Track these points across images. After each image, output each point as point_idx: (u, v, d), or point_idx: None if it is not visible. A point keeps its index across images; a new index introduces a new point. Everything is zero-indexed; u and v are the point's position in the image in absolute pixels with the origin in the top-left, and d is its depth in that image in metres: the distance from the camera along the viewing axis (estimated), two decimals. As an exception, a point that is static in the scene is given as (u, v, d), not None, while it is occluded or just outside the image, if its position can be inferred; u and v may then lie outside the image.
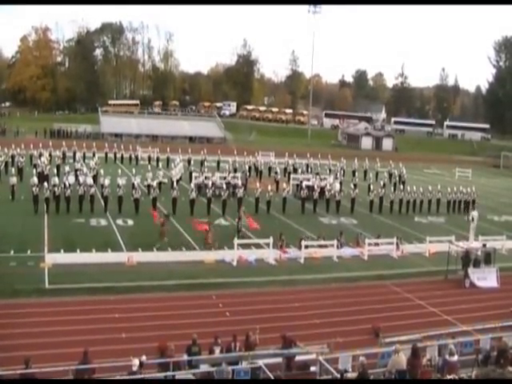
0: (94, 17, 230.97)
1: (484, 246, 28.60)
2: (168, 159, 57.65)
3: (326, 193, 42.39)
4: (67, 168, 43.70)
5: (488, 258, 28.13)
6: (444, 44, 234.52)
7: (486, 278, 27.39)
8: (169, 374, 14.26)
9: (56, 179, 38.55)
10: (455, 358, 15.13)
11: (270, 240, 28.87)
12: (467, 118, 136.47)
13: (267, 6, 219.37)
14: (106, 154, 59.39)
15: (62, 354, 16.60)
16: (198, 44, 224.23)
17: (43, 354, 16.31)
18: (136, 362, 13.96)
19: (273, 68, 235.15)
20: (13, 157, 49.55)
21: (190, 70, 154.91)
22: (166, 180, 44.67)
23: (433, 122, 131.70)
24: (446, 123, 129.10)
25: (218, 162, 57.44)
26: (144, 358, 14.35)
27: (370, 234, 33.34)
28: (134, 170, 47.41)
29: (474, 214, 34.73)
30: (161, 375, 14.20)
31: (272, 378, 14.62)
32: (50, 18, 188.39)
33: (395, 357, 14.94)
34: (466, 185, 49.67)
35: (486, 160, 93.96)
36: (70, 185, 37.24)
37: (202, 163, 54.18)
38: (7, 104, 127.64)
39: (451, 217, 42.97)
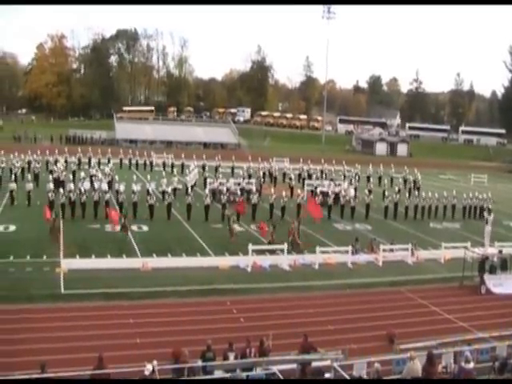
0: (109, 24, 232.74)
1: (500, 252, 28.37)
2: (183, 165, 57.79)
3: (341, 199, 42.28)
4: (82, 174, 43.93)
5: (504, 264, 27.92)
6: (459, 49, 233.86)
7: (502, 285, 27.17)
8: (183, 379, 14.26)
9: (71, 185, 38.84)
10: (471, 365, 15.00)
11: (285, 246, 28.87)
12: (482, 123, 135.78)
13: (281, 12, 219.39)
14: (121, 160, 59.65)
15: (77, 359, 16.68)
16: (213, 50, 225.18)
17: (58, 359, 16.39)
18: (149, 367, 13.99)
19: (287, 74, 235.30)
20: (29, 163, 49.94)
21: (204, 76, 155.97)
22: (180, 186, 44.78)
23: (448, 128, 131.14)
24: (461, 128, 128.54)
25: (233, 168, 57.51)
26: (155, 363, 14.34)
27: (385, 240, 33.23)
28: (148, 176, 47.55)
29: (489, 218, 34.51)
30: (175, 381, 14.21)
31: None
32: (65, 25, 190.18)
33: (410, 364, 14.84)
34: (482, 190, 49.38)
35: (501, 165, 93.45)
36: (85, 191, 37.47)
37: (216, 169, 54.26)
38: (23, 111, 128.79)
39: (467, 223, 42.70)
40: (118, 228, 32.42)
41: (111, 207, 35.48)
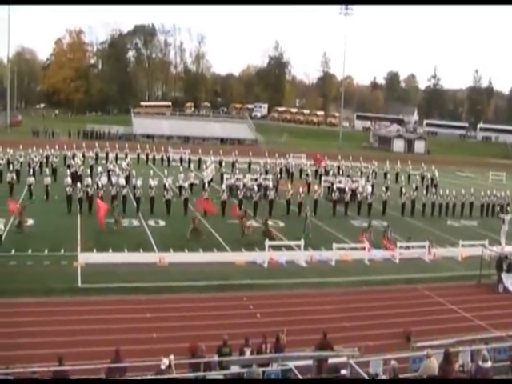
0: (127, 19, 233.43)
1: (518, 250, 28.12)
2: (199, 160, 57.88)
3: (358, 195, 42.14)
4: (100, 169, 44.20)
5: (522, 263, 27.69)
6: (477, 45, 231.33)
7: (520, 284, 26.95)
8: (199, 374, 14.31)
9: (89, 180, 39.06)
10: (488, 364, 14.85)
11: (301, 242, 28.83)
12: (501, 121, 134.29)
13: (299, 7, 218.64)
14: (138, 155, 59.88)
15: (94, 352, 16.79)
16: (230, 46, 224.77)
17: (76, 352, 16.53)
18: (166, 361, 14.04)
19: (304, 70, 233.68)
20: (47, 157, 50.28)
21: (221, 72, 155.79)
22: (197, 181, 44.84)
23: (466, 125, 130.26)
24: (479, 126, 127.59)
25: (250, 164, 57.44)
26: (172, 357, 14.40)
27: (402, 237, 33.08)
28: (165, 171, 47.71)
29: (506, 217, 34.15)
30: (192, 375, 14.26)
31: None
32: (83, 20, 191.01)
33: (427, 362, 14.75)
34: (500, 188, 48.98)
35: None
36: (102, 185, 37.67)
37: (233, 165, 54.34)
38: (42, 105, 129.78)
39: (484, 220, 42.38)
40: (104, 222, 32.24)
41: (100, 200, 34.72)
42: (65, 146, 55.50)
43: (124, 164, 47.92)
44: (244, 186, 41.73)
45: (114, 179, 40.78)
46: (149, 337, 18.88)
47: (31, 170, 43.19)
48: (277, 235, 32.20)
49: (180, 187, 41.20)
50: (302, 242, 28.85)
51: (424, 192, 45.02)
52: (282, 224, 36.57)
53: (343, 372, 15.30)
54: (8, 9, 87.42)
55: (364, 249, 30.08)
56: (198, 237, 31.24)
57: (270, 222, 33.73)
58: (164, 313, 21.12)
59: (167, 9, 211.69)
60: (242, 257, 28.49)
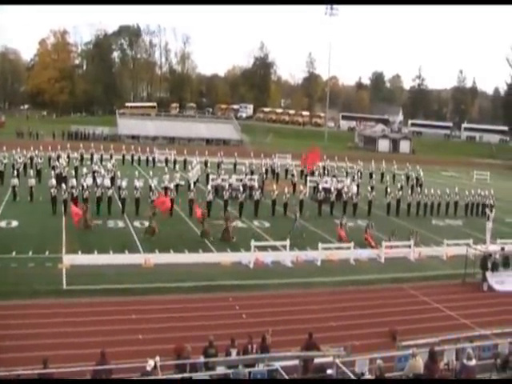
0: (112, 20, 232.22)
1: (502, 249, 28.30)
2: (185, 161, 57.74)
3: (343, 195, 42.28)
4: (85, 170, 43.98)
5: (506, 261, 27.97)
6: (461, 46, 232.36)
7: (504, 282, 27.18)
8: (185, 375, 14.28)
9: (74, 181, 38.90)
10: (473, 362, 14.97)
11: (287, 242, 28.86)
12: (485, 121, 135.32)
13: (284, 7, 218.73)
14: (124, 156, 59.68)
15: (79, 354, 16.71)
16: (215, 46, 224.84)
17: (61, 355, 16.43)
18: (151, 362, 14.00)
19: (289, 70, 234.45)
20: (31, 158, 49.98)
21: (206, 73, 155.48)
22: (183, 182, 44.75)
23: (450, 125, 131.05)
24: (463, 125, 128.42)
25: (235, 164, 57.41)
26: (158, 358, 14.37)
27: (387, 237, 33.20)
28: (151, 172, 47.51)
29: (491, 214, 34.51)
30: (177, 377, 14.22)
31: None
32: (68, 21, 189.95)
33: (412, 360, 14.85)
34: (484, 187, 49.29)
35: (504, 163, 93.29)
36: (87, 186, 37.53)
37: (218, 165, 54.31)
38: (26, 106, 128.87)
39: (469, 220, 42.66)
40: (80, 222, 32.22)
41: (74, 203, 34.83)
42: (49, 147, 55.10)
43: (109, 165, 47.71)
44: (230, 186, 41.68)
45: (99, 180, 40.56)
46: (134, 338, 18.82)
47: (15, 172, 42.81)
48: (231, 236, 32.01)
49: (166, 188, 41.05)
50: (287, 243, 28.88)
51: (409, 192, 45.28)
52: (267, 224, 36.60)
53: (329, 372, 15.35)
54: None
55: (349, 248, 30.14)
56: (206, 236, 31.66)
57: (235, 223, 33.90)
58: (150, 314, 21.06)
59: (152, 9, 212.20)
60: (228, 257, 28.47)
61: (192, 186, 39.83)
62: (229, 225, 32.24)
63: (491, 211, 39.53)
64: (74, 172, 44.89)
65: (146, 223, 33.35)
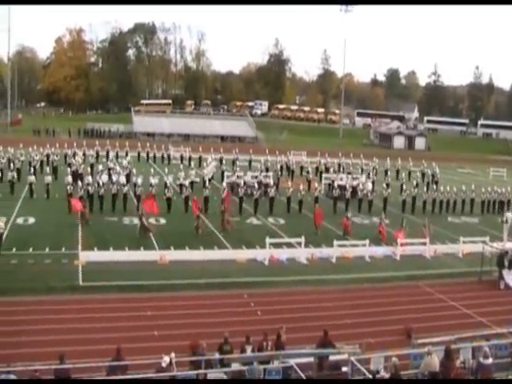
0: (127, 17, 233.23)
1: (519, 247, 28.08)
2: (200, 158, 57.77)
3: (359, 192, 42.13)
4: (100, 167, 44.15)
5: (523, 259, 27.66)
6: (478, 42, 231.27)
7: (520, 280, 26.93)
8: (200, 372, 14.32)
9: (90, 178, 39.06)
10: (490, 360, 14.86)
11: (302, 239, 28.82)
12: (502, 117, 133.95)
13: (299, 5, 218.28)
14: (139, 154, 59.88)
15: (94, 350, 16.81)
16: (230, 44, 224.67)
17: (77, 350, 16.55)
18: (167, 359, 14.05)
19: (304, 67, 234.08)
20: (48, 156, 50.27)
21: (221, 70, 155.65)
22: (198, 179, 44.79)
23: (466, 121, 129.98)
24: (479, 122, 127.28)
25: (250, 162, 57.45)
26: (173, 355, 14.41)
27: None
28: (166, 169, 47.64)
29: (508, 214, 34.10)
30: (192, 373, 14.27)
31: (303, 377, 14.57)
32: (83, 19, 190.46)
33: (428, 358, 14.77)
34: (501, 185, 48.94)
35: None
36: (103, 183, 37.66)
37: (233, 162, 54.33)
38: (42, 104, 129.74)
39: (485, 217, 42.34)
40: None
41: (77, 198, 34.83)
42: (65, 145, 55.56)
43: (125, 162, 47.94)
44: (245, 183, 41.72)
45: (114, 177, 40.75)
46: (150, 335, 18.89)
47: (32, 169, 43.19)
48: (226, 228, 32.81)
49: (181, 185, 41.18)
50: (302, 240, 28.85)
51: (425, 189, 44.92)
52: (282, 221, 36.58)
53: (344, 369, 15.32)
54: (8, 8, 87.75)
55: (365, 245, 30.05)
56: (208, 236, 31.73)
57: (270, 219, 33.88)
58: (165, 311, 21.13)
59: (167, 8, 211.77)
60: (243, 254, 28.49)
61: (207, 183, 39.88)
62: (225, 217, 32.93)
63: (508, 209, 39.19)
64: (89, 169, 45.17)
65: (162, 220, 33.51)
